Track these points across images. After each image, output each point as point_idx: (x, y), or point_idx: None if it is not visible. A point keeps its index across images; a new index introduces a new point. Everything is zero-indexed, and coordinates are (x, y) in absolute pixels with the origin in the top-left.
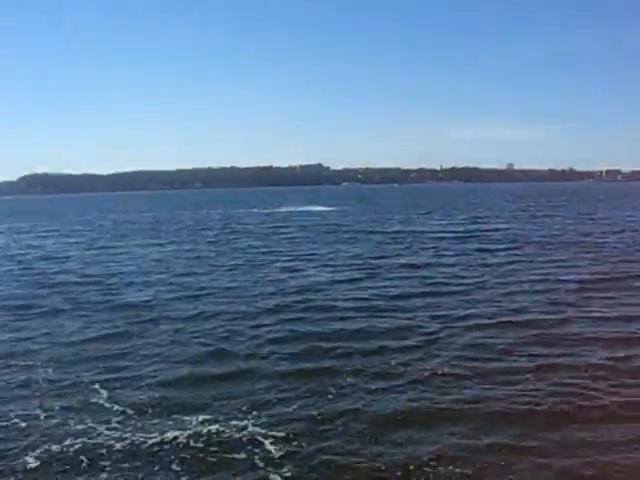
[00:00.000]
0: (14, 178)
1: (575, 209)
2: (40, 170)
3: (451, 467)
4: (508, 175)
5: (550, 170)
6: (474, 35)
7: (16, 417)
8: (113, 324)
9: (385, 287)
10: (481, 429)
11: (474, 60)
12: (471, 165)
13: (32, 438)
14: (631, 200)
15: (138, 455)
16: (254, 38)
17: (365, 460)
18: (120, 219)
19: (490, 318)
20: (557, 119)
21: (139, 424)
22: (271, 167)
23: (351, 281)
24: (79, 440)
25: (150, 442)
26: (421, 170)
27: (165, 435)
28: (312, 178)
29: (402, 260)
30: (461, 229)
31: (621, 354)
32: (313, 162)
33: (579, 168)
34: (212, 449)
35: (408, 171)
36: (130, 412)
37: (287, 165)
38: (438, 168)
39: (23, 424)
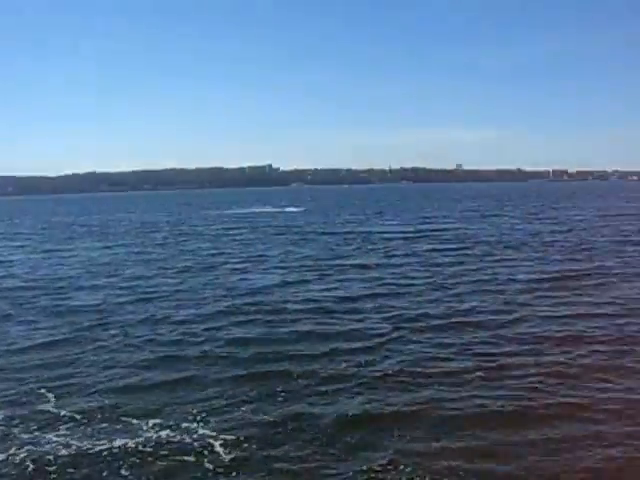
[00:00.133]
0: None
1: (523, 209)
2: None
3: (404, 471)
4: (457, 176)
5: (498, 170)
6: (426, 41)
7: None
8: (61, 329)
9: (336, 289)
10: (434, 431)
11: (423, 63)
12: (420, 166)
13: None
14: (577, 200)
15: (86, 462)
16: (186, 36)
17: (317, 465)
18: (68, 221)
19: (441, 319)
20: (505, 121)
21: (88, 431)
22: (221, 168)
23: (302, 283)
24: (25, 448)
25: (99, 448)
26: (370, 171)
27: (114, 441)
28: (262, 179)
29: (352, 261)
30: (411, 229)
31: (570, 354)
32: (263, 163)
33: (526, 168)
34: (162, 454)
35: (357, 172)
36: (79, 419)
37: (237, 166)
38: (387, 169)
39: None
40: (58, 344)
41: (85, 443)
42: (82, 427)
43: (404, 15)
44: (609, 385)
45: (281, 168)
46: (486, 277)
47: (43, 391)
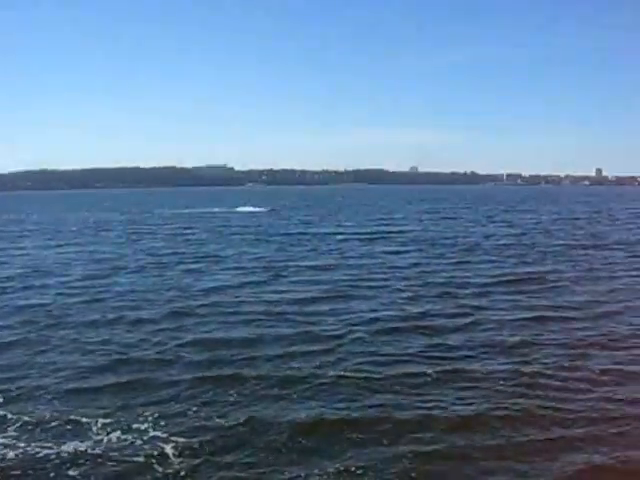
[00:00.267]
0: None
1: (478, 212)
2: None
3: (359, 476)
4: (412, 178)
5: (453, 173)
6: (375, 44)
7: None
8: (8, 331)
9: (291, 290)
10: (388, 436)
11: (378, 67)
12: (375, 167)
13: None
14: (531, 203)
15: (34, 465)
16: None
17: (270, 471)
18: (18, 219)
19: (396, 322)
20: (460, 125)
21: (36, 434)
22: (175, 168)
23: (256, 284)
24: None
25: (47, 452)
26: (326, 171)
27: (63, 444)
28: (217, 179)
29: (308, 262)
30: (366, 231)
31: (525, 357)
32: (218, 163)
33: (481, 172)
34: (111, 457)
35: (312, 173)
36: (27, 421)
37: (192, 166)
38: (342, 170)
39: None
40: (5, 346)
41: (33, 446)
42: (30, 430)
43: (356, 14)
44: (565, 389)
45: (236, 168)
46: (441, 280)
47: None
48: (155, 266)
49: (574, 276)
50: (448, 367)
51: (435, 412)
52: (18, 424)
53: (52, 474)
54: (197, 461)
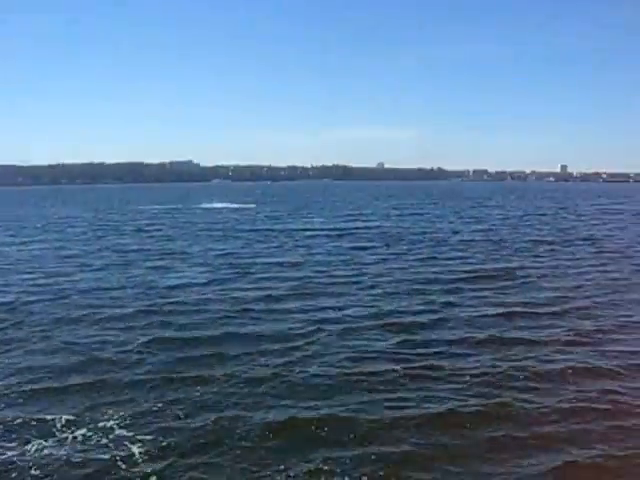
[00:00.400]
0: None
1: (444, 207)
2: None
3: (331, 478)
4: (379, 173)
5: (419, 169)
6: (345, 45)
7: None
8: None
9: (258, 288)
10: (359, 436)
11: (344, 65)
12: (342, 163)
13: None
14: (497, 199)
15: None
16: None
17: (239, 473)
18: None
19: (365, 320)
20: (425, 120)
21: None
22: (141, 163)
23: (223, 281)
24: None
25: (11, 453)
26: (292, 168)
27: (28, 444)
28: (183, 175)
29: (275, 259)
30: (333, 227)
31: (490, 356)
32: (184, 159)
33: (447, 167)
34: (77, 457)
35: (279, 169)
36: None
37: (157, 162)
38: (309, 166)
39: None
40: None
41: None
42: None
43: (323, 14)
44: (535, 386)
45: (202, 164)
46: (410, 276)
47: None
48: (121, 263)
49: (542, 272)
50: (418, 364)
51: (405, 410)
52: None
53: (14, 474)
54: (165, 462)
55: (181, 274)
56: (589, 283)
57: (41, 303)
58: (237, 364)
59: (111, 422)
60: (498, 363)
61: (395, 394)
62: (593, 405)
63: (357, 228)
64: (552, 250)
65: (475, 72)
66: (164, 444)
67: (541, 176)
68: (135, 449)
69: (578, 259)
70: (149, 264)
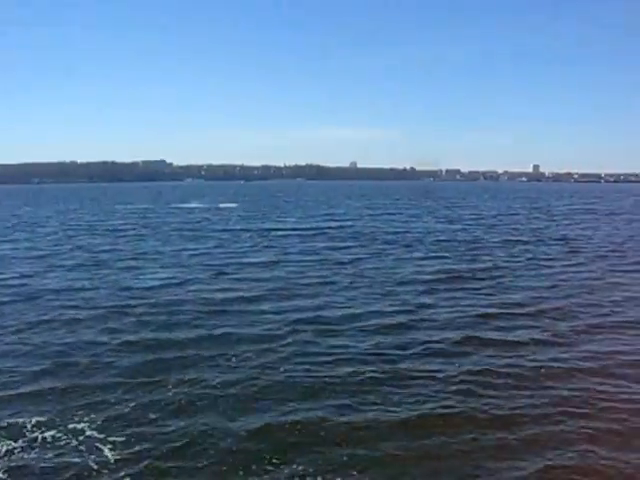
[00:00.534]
0: None
1: (418, 207)
2: None
3: None
4: (352, 173)
5: (392, 169)
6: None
7: None
8: None
9: (232, 289)
10: (332, 441)
11: (316, 68)
12: (315, 163)
13: None
14: (471, 199)
15: None
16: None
17: (214, 477)
18: None
19: (339, 322)
20: (397, 122)
21: None
22: (112, 163)
23: (197, 282)
24: None
25: None
26: (265, 167)
27: None
28: (155, 174)
29: (248, 259)
30: (306, 226)
31: (465, 358)
32: (156, 158)
33: (419, 167)
34: (49, 460)
35: (252, 168)
36: None
37: (130, 161)
38: (282, 165)
39: None
40: None
41: None
42: None
43: (294, 17)
44: (510, 388)
45: (175, 163)
46: (383, 276)
47: None
48: (92, 263)
49: (516, 272)
50: (394, 367)
51: (382, 413)
52: None
53: None
54: (139, 466)
55: (154, 275)
56: (563, 283)
57: (12, 305)
58: (212, 367)
59: (82, 425)
60: (474, 365)
61: (371, 397)
62: (570, 407)
63: (330, 228)
64: (526, 250)
65: (447, 72)
66: (138, 448)
67: (513, 176)
68: (108, 453)
69: (552, 259)
70: (121, 264)
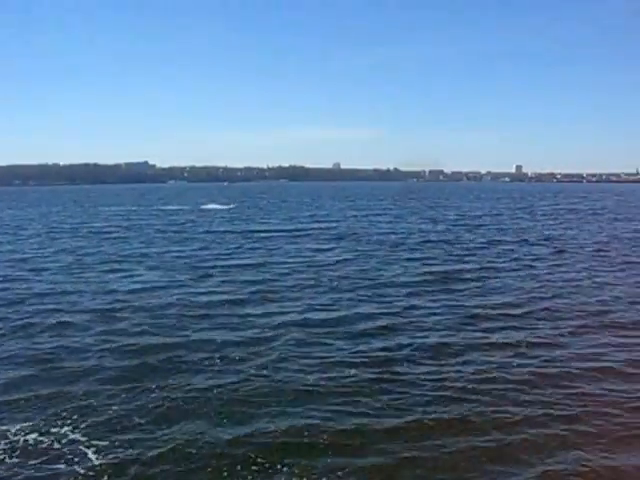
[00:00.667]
0: None
1: (402, 208)
2: None
3: None
4: (335, 174)
5: (375, 170)
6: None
7: None
8: None
9: (217, 292)
10: (322, 448)
11: (291, 65)
12: (298, 164)
13: None
14: (454, 200)
15: None
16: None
17: None
18: None
19: (326, 325)
20: (381, 122)
21: None
22: (95, 165)
23: (181, 285)
24: None
25: None
26: (248, 169)
27: None
28: (138, 176)
29: (234, 261)
30: (291, 227)
31: (453, 361)
32: (139, 160)
33: (403, 168)
34: (35, 467)
35: (235, 169)
36: None
37: (112, 163)
38: (265, 167)
39: None
40: None
41: None
42: None
43: (277, 17)
44: (500, 392)
45: (157, 165)
46: (369, 279)
47: None
48: (77, 266)
49: (501, 274)
50: (379, 371)
51: (369, 419)
52: None
53: None
54: (125, 473)
55: (139, 277)
56: (548, 284)
57: None
58: (197, 371)
59: (66, 430)
60: (460, 368)
61: (358, 402)
62: (561, 409)
63: (315, 229)
64: (511, 250)
65: (432, 74)
66: (123, 453)
67: (496, 176)
68: (93, 457)
69: (538, 259)
70: (106, 267)
